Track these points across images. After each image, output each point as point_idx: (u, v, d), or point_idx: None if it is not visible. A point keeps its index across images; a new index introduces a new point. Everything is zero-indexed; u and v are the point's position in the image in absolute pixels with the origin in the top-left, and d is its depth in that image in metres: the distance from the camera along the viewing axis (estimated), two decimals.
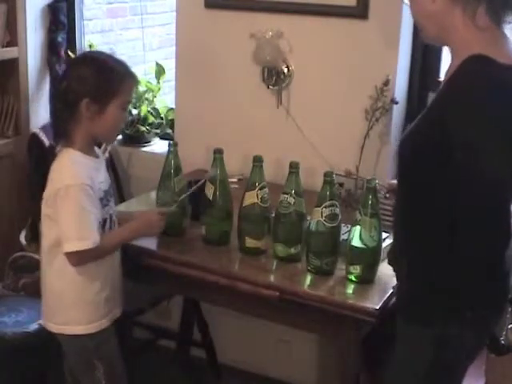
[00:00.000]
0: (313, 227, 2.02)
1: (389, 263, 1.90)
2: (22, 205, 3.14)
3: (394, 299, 1.93)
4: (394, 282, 1.92)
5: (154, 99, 3.23)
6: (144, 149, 3.17)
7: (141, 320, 2.83)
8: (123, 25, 3.93)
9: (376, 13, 2.54)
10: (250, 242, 2.14)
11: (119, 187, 3.04)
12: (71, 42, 3.32)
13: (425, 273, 1.71)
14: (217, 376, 3.01)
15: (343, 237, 2.06)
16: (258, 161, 2.12)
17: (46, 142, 2.98)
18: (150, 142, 3.19)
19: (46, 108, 3.06)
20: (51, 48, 3.24)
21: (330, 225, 2.00)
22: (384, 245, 2.03)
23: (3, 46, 3.04)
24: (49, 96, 3.24)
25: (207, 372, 3.01)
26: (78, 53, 3.24)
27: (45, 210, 2.06)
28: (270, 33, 2.66)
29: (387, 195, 2.09)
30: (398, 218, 1.81)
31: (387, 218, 2.08)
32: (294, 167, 2.07)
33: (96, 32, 3.64)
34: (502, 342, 1.79)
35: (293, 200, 2.06)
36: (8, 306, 2.70)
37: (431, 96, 2.63)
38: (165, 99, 3.29)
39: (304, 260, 2.07)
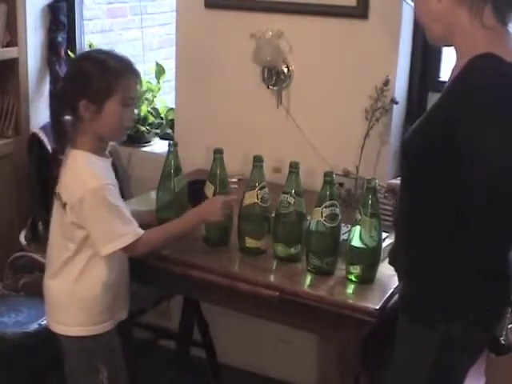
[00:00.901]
0: (313, 227, 2.02)
1: (389, 263, 1.90)
2: (22, 205, 3.14)
3: (394, 299, 1.93)
4: (394, 281, 1.93)
5: (154, 99, 3.23)
6: (144, 149, 3.17)
7: (141, 320, 2.83)
8: (123, 25, 3.93)
9: (376, 13, 2.54)
10: (250, 242, 2.14)
11: (119, 187, 3.02)
12: (71, 42, 3.32)
13: (426, 272, 1.71)
14: (217, 376, 3.00)
15: (343, 237, 2.06)
16: (258, 161, 2.12)
17: (46, 142, 2.98)
18: (150, 142, 3.19)
19: (46, 108, 3.06)
20: (51, 48, 3.24)
21: (330, 225, 1.99)
22: (384, 245, 2.03)
23: (3, 46, 3.03)
24: (49, 96, 3.24)
25: (207, 372, 3.00)
26: (78, 53, 3.24)
27: (69, 216, 2.00)
28: (270, 33, 2.66)
29: (386, 195, 2.09)
30: (400, 216, 1.81)
31: (387, 217, 2.08)
32: (293, 167, 2.07)
33: (96, 32, 3.64)
34: (502, 341, 1.79)
35: (293, 200, 2.06)
36: (8, 306, 2.69)
37: (431, 96, 2.64)
38: (165, 99, 3.29)
39: (304, 260, 2.07)
